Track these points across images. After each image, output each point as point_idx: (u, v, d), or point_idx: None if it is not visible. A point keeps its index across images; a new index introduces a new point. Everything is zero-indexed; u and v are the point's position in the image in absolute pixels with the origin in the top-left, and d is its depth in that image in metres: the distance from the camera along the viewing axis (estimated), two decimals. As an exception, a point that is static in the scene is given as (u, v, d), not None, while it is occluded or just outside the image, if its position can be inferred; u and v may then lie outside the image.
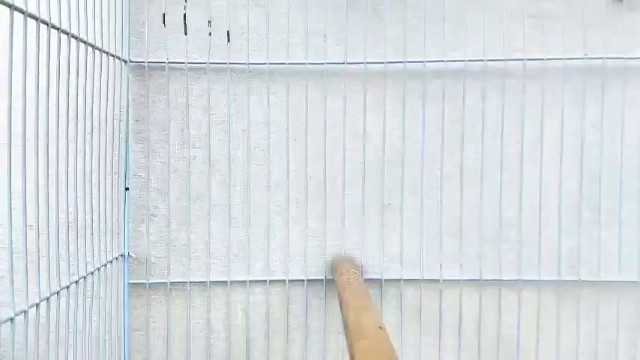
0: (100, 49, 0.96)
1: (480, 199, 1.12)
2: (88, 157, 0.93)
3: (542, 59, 1.10)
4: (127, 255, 1.11)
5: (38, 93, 0.74)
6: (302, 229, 1.13)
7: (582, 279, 1.12)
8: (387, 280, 1.12)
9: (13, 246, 0.68)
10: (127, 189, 1.11)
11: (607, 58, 1.10)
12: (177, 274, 1.13)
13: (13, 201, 0.68)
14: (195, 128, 1.12)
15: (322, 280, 1.13)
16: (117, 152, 1.07)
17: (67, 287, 0.85)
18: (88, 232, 0.93)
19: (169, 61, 1.10)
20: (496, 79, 1.11)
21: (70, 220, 0.86)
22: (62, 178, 0.84)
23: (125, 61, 1.09)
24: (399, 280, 1.12)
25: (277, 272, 1.14)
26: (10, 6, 0.67)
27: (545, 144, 1.11)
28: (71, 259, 0.86)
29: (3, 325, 0.67)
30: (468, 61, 1.11)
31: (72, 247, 0.87)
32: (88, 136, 0.92)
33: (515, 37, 1.10)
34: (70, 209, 0.86)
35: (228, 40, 1.12)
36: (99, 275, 0.98)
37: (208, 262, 1.13)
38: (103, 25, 0.98)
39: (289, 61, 1.11)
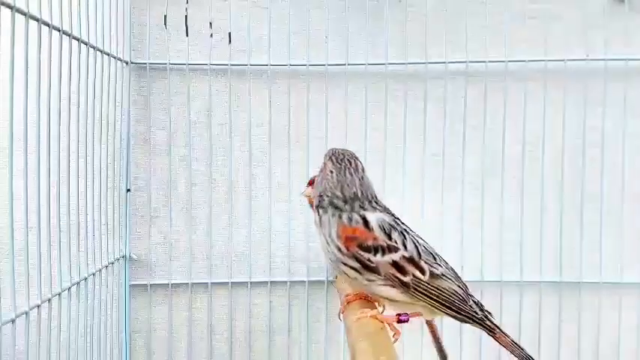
0: (101, 51, 0.96)
1: (481, 200, 1.12)
2: (89, 159, 0.93)
3: (543, 60, 1.10)
4: (128, 256, 1.11)
5: (39, 94, 0.74)
6: (304, 230, 1.13)
7: (584, 280, 1.12)
8: (388, 282, 1.12)
9: (15, 247, 0.68)
10: (128, 190, 1.11)
11: (608, 59, 1.10)
12: (179, 275, 1.13)
13: (14, 202, 0.68)
14: (197, 129, 1.12)
15: (324, 281, 1.13)
16: (118, 153, 1.07)
17: (69, 289, 0.85)
18: (89, 233, 0.93)
19: (170, 62, 1.10)
20: (497, 80, 1.11)
21: (71, 222, 0.86)
22: (63, 179, 0.84)
23: (126, 63, 1.09)
24: (401, 281, 1.12)
25: (279, 273, 1.14)
26: (11, 7, 0.67)
27: (546, 145, 1.11)
28: (72, 261, 0.86)
29: (4, 327, 0.67)
30: (470, 62, 1.11)
31: (73, 249, 0.87)
32: (89, 138, 0.92)
33: (517, 38, 1.10)
34: (71, 210, 0.86)
35: (230, 42, 1.12)
36: (100, 277, 0.98)
37: (210, 263, 1.13)
38: (105, 27, 0.98)
39: (290, 62, 1.11)
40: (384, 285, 0.73)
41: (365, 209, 0.74)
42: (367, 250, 0.71)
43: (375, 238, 0.72)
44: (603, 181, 1.11)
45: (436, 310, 0.77)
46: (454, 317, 0.78)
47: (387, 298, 0.74)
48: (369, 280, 0.72)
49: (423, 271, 0.74)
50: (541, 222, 1.12)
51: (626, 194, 1.11)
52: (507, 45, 1.10)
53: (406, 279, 0.73)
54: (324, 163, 0.76)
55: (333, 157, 0.76)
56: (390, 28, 1.11)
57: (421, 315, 0.76)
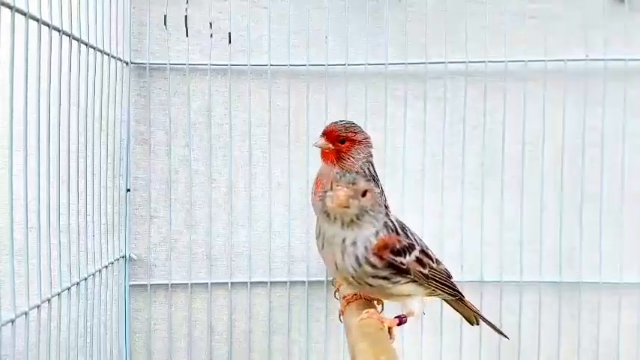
0: (101, 51, 0.96)
1: (481, 200, 1.12)
2: (89, 159, 0.93)
3: (543, 60, 1.10)
4: (128, 256, 1.11)
5: (39, 94, 0.74)
6: (303, 230, 1.13)
7: (583, 280, 1.12)
8: (388, 282, 1.12)
9: (15, 247, 0.68)
10: (128, 190, 1.11)
11: (608, 59, 1.10)
12: (179, 275, 1.13)
13: (14, 202, 0.68)
14: (197, 129, 1.12)
15: (323, 281, 1.13)
16: (118, 153, 1.07)
17: (68, 289, 0.85)
18: (89, 233, 0.93)
19: (170, 62, 1.10)
20: (497, 80, 1.11)
21: (70, 222, 0.86)
22: (63, 179, 0.84)
23: (126, 63, 1.09)
24: (400, 281, 1.12)
25: (278, 273, 1.14)
26: (11, 7, 0.67)
27: (546, 145, 1.11)
28: (72, 261, 0.86)
29: (4, 327, 0.67)
30: (469, 62, 1.11)
31: (73, 249, 0.87)
32: (89, 138, 0.92)
33: (516, 38, 1.10)
34: (72, 211, 0.86)
35: (230, 42, 1.12)
36: (100, 277, 0.98)
37: (209, 263, 1.13)
38: (105, 27, 0.98)
39: (290, 62, 1.11)
40: (406, 283, 0.73)
41: (389, 213, 0.74)
42: (398, 253, 0.71)
43: (399, 240, 0.72)
44: (603, 181, 1.11)
45: (441, 293, 0.78)
46: (450, 295, 0.80)
47: (405, 295, 0.75)
48: (394, 283, 0.72)
49: (432, 260, 0.76)
50: (541, 222, 1.12)
51: (625, 194, 1.11)
52: (507, 45, 1.10)
53: (426, 271, 0.74)
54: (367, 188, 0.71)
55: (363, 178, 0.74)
56: (390, 28, 1.11)
57: (413, 314, 0.76)
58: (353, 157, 0.89)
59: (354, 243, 0.70)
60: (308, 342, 1.14)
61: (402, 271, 0.72)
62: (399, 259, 0.71)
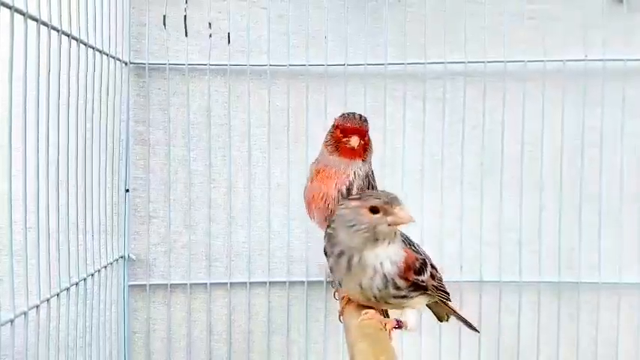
0: (100, 51, 0.96)
1: (480, 201, 1.12)
2: (88, 159, 0.93)
3: (542, 61, 1.10)
4: (127, 256, 1.11)
5: (39, 95, 0.74)
6: (303, 231, 1.13)
7: (582, 280, 1.12)
8: (387, 282, 1.12)
9: (14, 248, 0.68)
10: (127, 190, 1.11)
11: (607, 59, 1.10)
12: (178, 275, 1.13)
13: (13, 202, 0.68)
14: (196, 130, 1.12)
15: (323, 281, 1.13)
16: (117, 154, 1.07)
17: (67, 289, 0.85)
18: (88, 233, 0.93)
19: (170, 62, 1.10)
20: (496, 80, 1.11)
21: (70, 222, 0.86)
22: (62, 179, 0.84)
23: (125, 63, 1.09)
24: (400, 281, 1.12)
25: (278, 274, 1.14)
26: (10, 7, 0.67)
27: (545, 145, 1.11)
28: (71, 261, 0.86)
29: (3, 327, 0.67)
30: (469, 62, 1.11)
31: (72, 249, 0.87)
32: (88, 138, 0.92)
33: (515, 38, 1.11)
34: (71, 211, 0.86)
35: (229, 42, 1.12)
36: (99, 277, 0.98)
37: (209, 263, 1.13)
38: (104, 27, 0.98)
39: (290, 62, 1.11)
40: (418, 296, 0.73)
41: None
42: (419, 272, 0.71)
43: (417, 259, 0.71)
44: (602, 181, 1.11)
45: (439, 298, 0.78)
46: (445, 298, 0.80)
47: (414, 306, 0.74)
48: (410, 298, 0.72)
49: (436, 269, 0.75)
50: (540, 222, 1.12)
51: (624, 194, 1.11)
52: (506, 45, 1.10)
53: (436, 283, 0.75)
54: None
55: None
56: (390, 28, 1.11)
57: (407, 326, 0.76)
58: (371, 148, 0.90)
59: (382, 263, 0.69)
60: (307, 342, 1.14)
61: (420, 288, 0.72)
62: (420, 277, 0.71)
